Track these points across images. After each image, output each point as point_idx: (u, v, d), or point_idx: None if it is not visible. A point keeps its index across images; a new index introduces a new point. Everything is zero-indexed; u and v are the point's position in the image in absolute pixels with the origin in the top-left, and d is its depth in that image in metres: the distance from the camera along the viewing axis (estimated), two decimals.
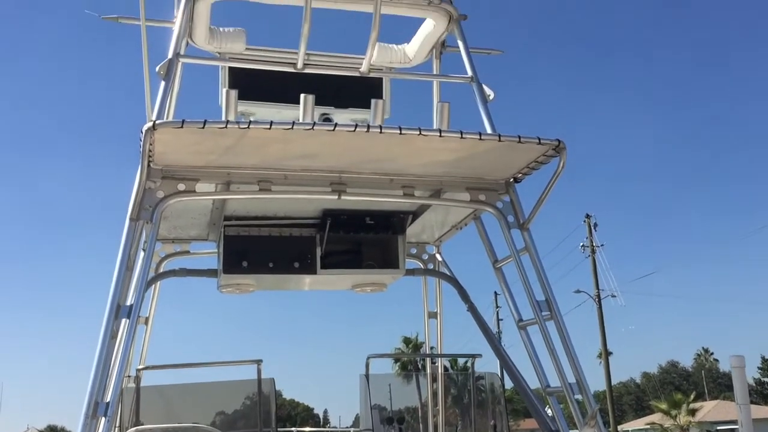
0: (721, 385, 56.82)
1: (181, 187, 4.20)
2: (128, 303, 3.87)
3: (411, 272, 5.93)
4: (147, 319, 5.95)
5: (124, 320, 3.81)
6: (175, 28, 4.69)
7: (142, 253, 4.46)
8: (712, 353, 65.94)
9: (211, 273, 5.49)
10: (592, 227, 37.92)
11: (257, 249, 5.10)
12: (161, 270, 5.64)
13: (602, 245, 37.69)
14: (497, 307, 46.21)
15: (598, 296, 35.44)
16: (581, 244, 38.05)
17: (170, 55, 4.49)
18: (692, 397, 39.25)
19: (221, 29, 5.29)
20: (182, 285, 5.78)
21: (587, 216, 38.42)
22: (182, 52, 4.69)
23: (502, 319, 46.13)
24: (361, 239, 5.30)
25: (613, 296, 36.16)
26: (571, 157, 4.27)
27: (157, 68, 4.38)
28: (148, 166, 4.01)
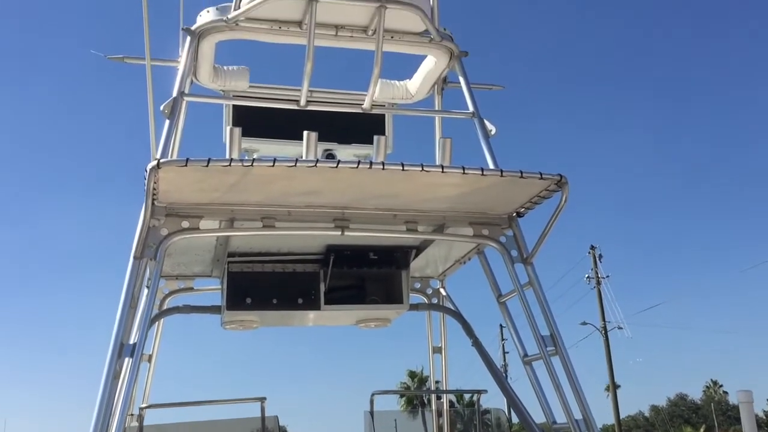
0: (730, 418, 55.98)
1: (185, 224, 4.21)
2: (131, 341, 3.86)
3: (415, 307, 5.91)
4: (150, 356, 5.92)
5: (127, 359, 3.79)
6: (180, 67, 4.74)
7: (145, 291, 4.47)
8: (721, 385, 65.15)
9: (214, 310, 5.48)
10: (597, 259, 37.85)
11: (261, 285, 5.09)
12: (165, 307, 5.63)
13: (607, 277, 37.61)
14: (503, 339, 45.91)
15: (605, 328, 35.22)
16: (586, 275, 37.97)
17: (175, 93, 4.54)
18: (702, 430, 38.76)
19: (225, 68, 5.36)
20: (186, 321, 5.78)
21: (592, 247, 38.39)
22: (187, 91, 4.74)
23: (508, 352, 45.79)
24: (364, 274, 5.29)
25: (620, 328, 35.98)
26: (574, 190, 4.29)
27: (161, 107, 4.42)
28: (153, 204, 4.03)
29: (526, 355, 4.64)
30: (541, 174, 4.11)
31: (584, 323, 36.38)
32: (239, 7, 4.54)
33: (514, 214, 4.75)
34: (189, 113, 5.17)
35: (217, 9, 4.74)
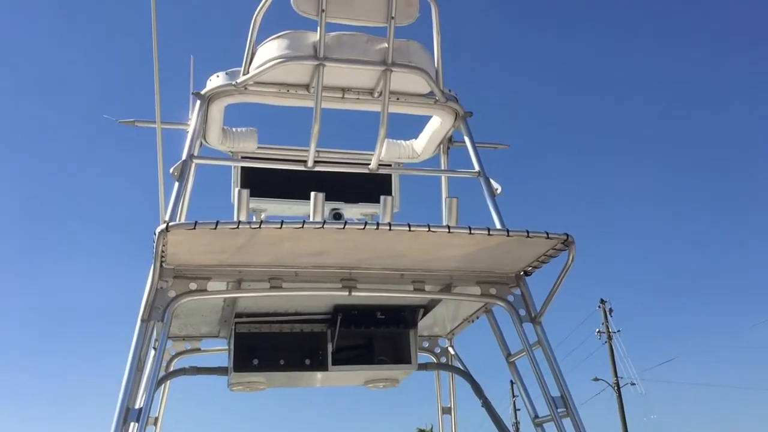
0: None
1: (193, 286, 4.23)
2: (138, 406, 3.83)
3: (424, 366, 5.85)
4: (156, 419, 5.86)
5: (133, 424, 3.76)
6: (190, 130, 4.82)
7: (152, 352, 4.45)
8: None
9: (221, 371, 5.44)
10: (608, 313, 37.48)
11: (268, 346, 5.07)
12: (171, 368, 5.60)
13: (619, 331, 37.16)
14: (513, 396, 45.15)
15: (617, 384, 34.64)
16: (597, 329, 37.55)
17: (184, 156, 4.60)
18: None
19: (234, 129, 5.45)
20: (191, 383, 5.73)
21: (602, 301, 38.07)
22: (196, 153, 4.80)
23: (519, 409, 44.97)
24: (372, 334, 5.27)
25: (633, 384, 35.38)
26: (581, 248, 4.30)
27: (171, 170, 4.48)
28: (161, 266, 4.05)
29: (536, 416, 4.57)
30: (547, 233, 4.12)
31: (596, 379, 35.83)
32: (248, 72, 4.64)
33: (522, 273, 4.75)
34: (197, 173, 5.24)
35: (226, 74, 4.84)
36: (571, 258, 4.27)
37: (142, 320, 4.08)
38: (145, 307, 4.09)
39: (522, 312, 4.64)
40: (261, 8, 4.35)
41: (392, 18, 4.36)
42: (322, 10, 4.25)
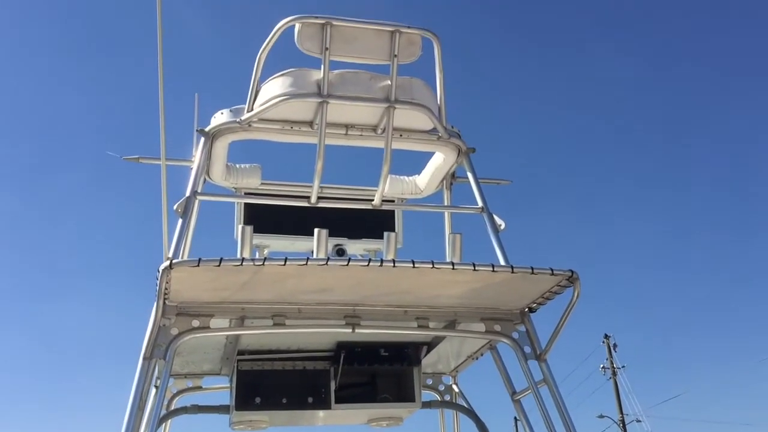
0: None
1: (196, 323, 4.20)
2: None
3: (428, 404, 5.78)
4: None
5: None
6: (194, 167, 4.84)
7: (153, 390, 4.40)
8: None
9: (223, 409, 5.38)
10: (612, 348, 37.19)
11: (270, 384, 5.03)
12: (173, 406, 5.54)
13: (623, 367, 36.82)
14: None
15: (623, 421, 34.24)
16: (601, 365, 37.22)
17: (188, 193, 4.61)
18: None
19: (237, 165, 5.46)
20: (193, 421, 5.67)
21: (606, 336, 37.79)
22: (200, 190, 4.81)
23: None
24: (375, 371, 5.22)
25: (638, 421, 34.96)
26: (586, 285, 4.27)
27: (174, 207, 4.48)
28: (164, 304, 4.03)
29: None
30: (552, 270, 4.10)
31: (601, 416, 35.41)
32: (252, 109, 4.67)
33: (527, 310, 4.72)
34: (200, 209, 5.25)
35: (230, 111, 4.87)
36: (576, 294, 4.24)
37: (144, 358, 4.04)
38: (147, 345, 4.06)
39: (527, 349, 4.60)
40: (265, 46, 4.40)
41: (395, 56, 4.40)
42: (326, 49, 4.29)
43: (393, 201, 5.72)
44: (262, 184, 5.53)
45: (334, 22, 4.24)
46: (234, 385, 5.03)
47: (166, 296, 4.03)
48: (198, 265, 3.68)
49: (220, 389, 5.77)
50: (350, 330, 4.45)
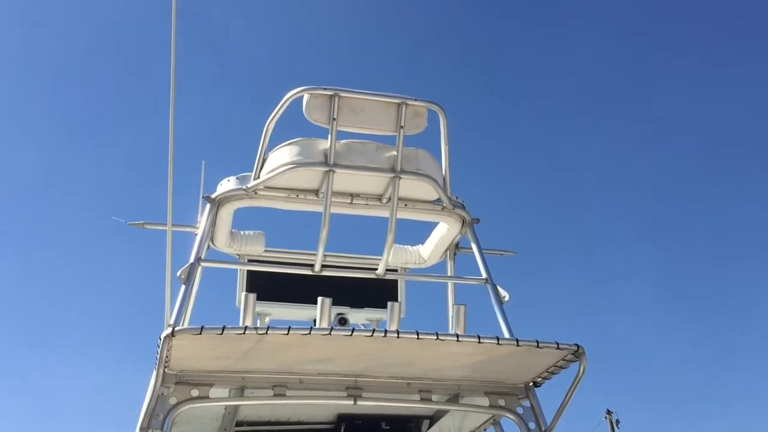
0: None
1: (195, 392, 4.12)
2: None
3: None
4: None
5: None
6: (199, 234, 4.83)
7: None
8: None
9: None
10: (614, 424, 36.36)
11: None
12: None
13: None
14: None
15: None
16: None
17: (192, 259, 4.58)
18: None
19: (241, 232, 5.47)
20: None
21: (608, 412, 36.98)
22: (203, 257, 4.80)
23: None
24: None
25: None
26: (592, 360, 4.20)
27: (178, 273, 4.45)
28: (164, 372, 3.96)
29: None
30: (557, 344, 4.05)
31: None
32: (259, 177, 4.70)
33: (531, 384, 4.63)
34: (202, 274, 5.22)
35: (237, 178, 4.90)
36: (582, 369, 4.17)
37: (141, 429, 3.94)
38: (145, 415, 3.97)
39: (532, 425, 4.50)
40: (274, 116, 4.46)
41: (401, 127, 4.46)
42: (334, 119, 4.34)
43: (396, 270, 5.70)
44: (265, 251, 5.52)
45: (342, 94, 4.31)
46: None
47: (167, 364, 3.96)
48: (200, 333, 3.63)
49: None
50: (352, 402, 4.36)
